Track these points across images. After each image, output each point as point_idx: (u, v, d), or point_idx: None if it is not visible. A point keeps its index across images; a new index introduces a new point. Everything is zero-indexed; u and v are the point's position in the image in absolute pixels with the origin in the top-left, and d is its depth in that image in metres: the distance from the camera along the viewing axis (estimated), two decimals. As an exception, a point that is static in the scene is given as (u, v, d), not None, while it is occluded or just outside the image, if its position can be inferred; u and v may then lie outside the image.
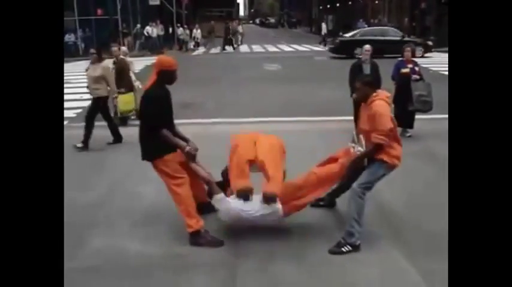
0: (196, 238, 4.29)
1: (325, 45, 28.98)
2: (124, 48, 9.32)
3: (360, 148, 4.28)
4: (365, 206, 4.26)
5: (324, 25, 31.17)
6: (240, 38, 31.22)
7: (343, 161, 4.40)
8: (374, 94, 4.21)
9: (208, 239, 4.31)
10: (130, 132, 8.58)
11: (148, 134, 4.22)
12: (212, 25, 31.39)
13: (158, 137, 4.17)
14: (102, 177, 6.16)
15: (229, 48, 27.86)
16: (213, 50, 28.40)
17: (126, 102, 8.75)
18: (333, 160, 4.56)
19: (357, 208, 4.21)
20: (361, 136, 4.31)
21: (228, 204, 4.27)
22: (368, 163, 4.25)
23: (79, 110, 10.27)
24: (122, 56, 9.12)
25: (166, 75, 4.16)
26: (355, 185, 4.25)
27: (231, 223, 4.40)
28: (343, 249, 4.16)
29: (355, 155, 4.28)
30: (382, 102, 4.17)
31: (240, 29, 32.10)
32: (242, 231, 4.53)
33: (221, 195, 4.31)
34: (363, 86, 4.28)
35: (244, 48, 29.52)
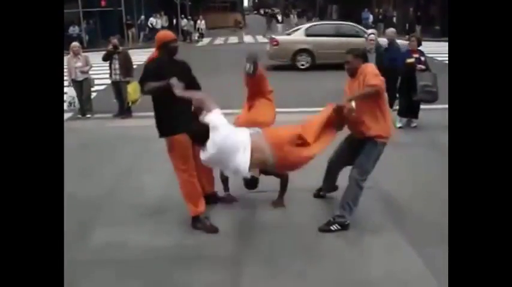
0: (194, 222, 4.44)
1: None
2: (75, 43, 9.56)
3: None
4: (370, 197, 4.28)
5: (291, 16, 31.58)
6: None
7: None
8: (363, 66, 4.17)
9: (206, 225, 4.42)
10: (134, 124, 8.64)
11: (158, 110, 4.28)
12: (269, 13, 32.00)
13: (166, 112, 4.20)
14: (107, 170, 6.19)
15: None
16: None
17: (135, 90, 8.87)
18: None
19: (353, 195, 4.30)
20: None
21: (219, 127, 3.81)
22: (360, 146, 4.24)
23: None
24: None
25: (164, 47, 4.25)
26: (354, 172, 4.27)
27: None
28: (331, 227, 4.31)
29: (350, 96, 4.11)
30: (373, 67, 4.16)
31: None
32: (249, 223, 4.56)
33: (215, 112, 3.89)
34: (353, 58, 4.19)
35: (248, 38, 29.40)
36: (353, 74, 4.21)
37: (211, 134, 3.76)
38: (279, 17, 33.77)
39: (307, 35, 15.14)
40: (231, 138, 3.82)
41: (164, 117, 4.26)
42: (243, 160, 3.84)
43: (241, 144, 3.86)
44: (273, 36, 16.69)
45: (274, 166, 4.21)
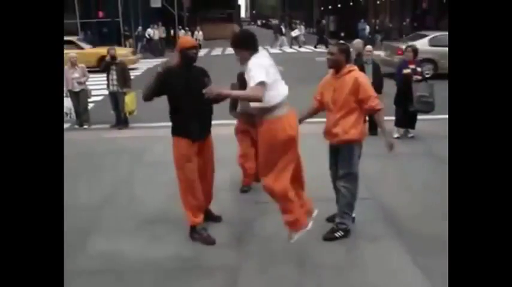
0: (192, 233, 4.42)
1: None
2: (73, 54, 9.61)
3: None
4: (368, 207, 4.27)
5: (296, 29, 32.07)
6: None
7: None
8: (348, 66, 4.17)
9: (204, 236, 4.39)
10: (131, 135, 8.64)
11: (171, 109, 4.30)
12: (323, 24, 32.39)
13: (175, 114, 4.26)
14: (104, 181, 6.16)
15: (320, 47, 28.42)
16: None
17: (132, 101, 8.90)
18: None
19: (347, 202, 4.32)
20: None
21: None
22: (338, 151, 4.27)
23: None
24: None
25: (183, 54, 4.24)
26: (340, 182, 4.29)
27: None
28: (336, 235, 4.35)
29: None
30: (362, 73, 4.24)
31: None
32: (246, 234, 4.55)
33: None
34: (338, 52, 4.15)
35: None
36: (335, 67, 4.19)
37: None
38: (283, 29, 33.90)
39: (431, 45, 15.15)
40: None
41: (174, 117, 4.29)
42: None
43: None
44: (397, 44, 16.41)
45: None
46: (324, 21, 34.55)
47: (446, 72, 14.33)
